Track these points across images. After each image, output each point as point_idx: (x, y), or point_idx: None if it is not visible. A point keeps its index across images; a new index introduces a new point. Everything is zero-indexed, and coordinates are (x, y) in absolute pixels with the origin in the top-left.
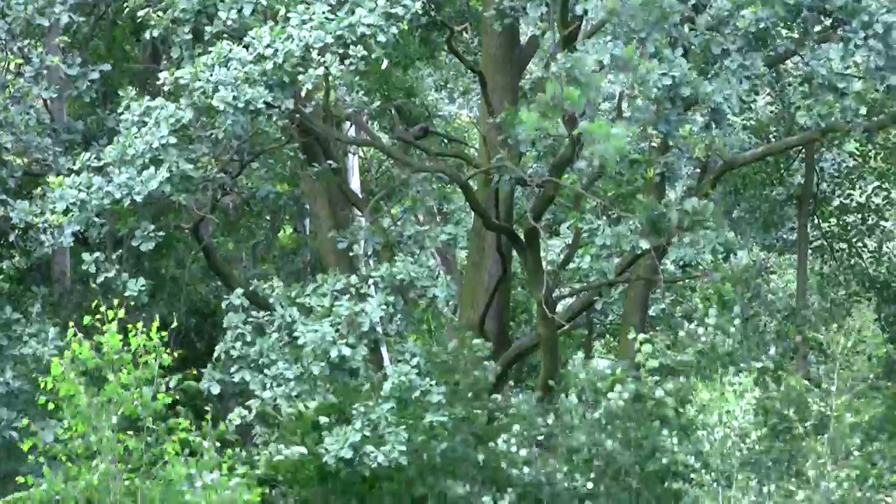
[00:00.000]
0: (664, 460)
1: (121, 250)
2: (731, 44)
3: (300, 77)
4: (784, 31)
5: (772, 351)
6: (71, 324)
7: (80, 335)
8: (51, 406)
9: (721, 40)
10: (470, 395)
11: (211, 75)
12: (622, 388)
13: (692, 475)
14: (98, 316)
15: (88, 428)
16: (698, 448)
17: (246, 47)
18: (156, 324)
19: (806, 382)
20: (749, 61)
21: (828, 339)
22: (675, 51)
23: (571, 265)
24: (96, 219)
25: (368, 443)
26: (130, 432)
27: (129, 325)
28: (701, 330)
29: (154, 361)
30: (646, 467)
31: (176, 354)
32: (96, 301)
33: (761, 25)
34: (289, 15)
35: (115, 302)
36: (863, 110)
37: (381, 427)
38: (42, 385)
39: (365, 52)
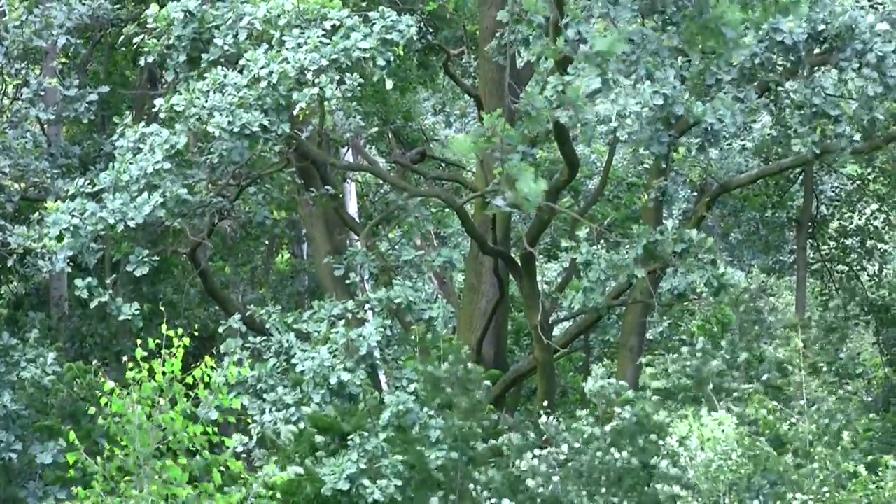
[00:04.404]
0: (665, 487)
1: (115, 275)
2: (724, 74)
3: (295, 96)
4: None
5: (765, 377)
6: (139, 341)
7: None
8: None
9: (714, 70)
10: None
11: (206, 101)
12: (629, 408)
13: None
14: (158, 341)
15: (132, 450)
16: (685, 475)
17: (241, 71)
18: (211, 361)
19: (775, 406)
20: (743, 93)
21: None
22: (668, 72)
23: (565, 302)
24: (93, 244)
25: (365, 475)
26: (172, 460)
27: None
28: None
29: (210, 395)
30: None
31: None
32: (162, 324)
33: (756, 60)
34: (283, 39)
35: (178, 332)
36: (857, 136)
37: (378, 458)
38: (101, 402)
39: (361, 80)
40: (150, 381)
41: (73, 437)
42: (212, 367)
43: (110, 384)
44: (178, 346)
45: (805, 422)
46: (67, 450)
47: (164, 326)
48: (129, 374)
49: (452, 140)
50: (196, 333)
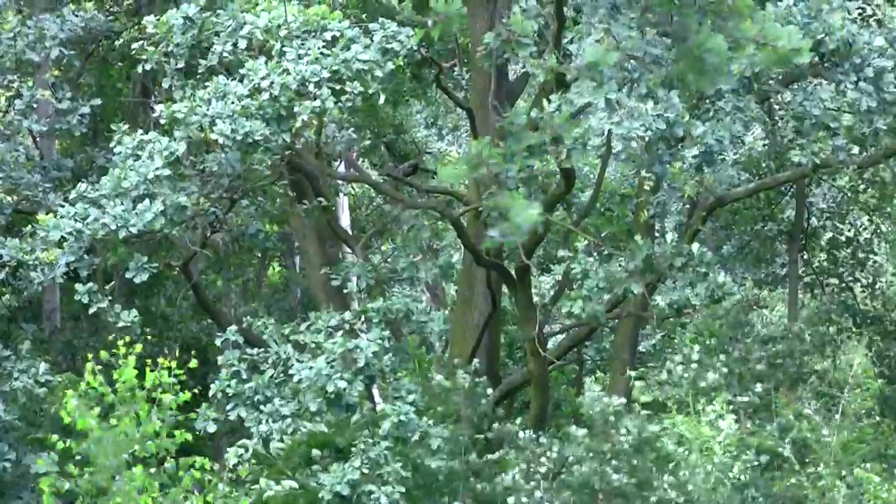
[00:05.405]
0: (653, 498)
1: (113, 282)
2: (724, 84)
3: (297, 109)
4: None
5: (759, 388)
6: (89, 356)
7: (95, 368)
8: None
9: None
10: (472, 424)
11: (208, 109)
12: (631, 423)
13: None
14: (114, 351)
15: (100, 463)
16: (684, 486)
17: (241, 80)
18: (173, 362)
19: (809, 412)
20: (742, 103)
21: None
22: (670, 92)
23: (563, 310)
24: (86, 256)
25: (367, 481)
26: (144, 469)
27: (147, 361)
28: (680, 367)
29: (169, 399)
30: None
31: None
32: (114, 336)
33: (756, 69)
34: (284, 49)
35: (126, 339)
36: (855, 149)
37: (380, 465)
38: (55, 415)
39: (362, 88)
40: (111, 392)
41: (43, 462)
42: (192, 370)
43: (73, 402)
44: (127, 354)
45: (834, 434)
46: (51, 467)
47: (120, 342)
48: (82, 385)
49: (440, 169)
50: (176, 344)
